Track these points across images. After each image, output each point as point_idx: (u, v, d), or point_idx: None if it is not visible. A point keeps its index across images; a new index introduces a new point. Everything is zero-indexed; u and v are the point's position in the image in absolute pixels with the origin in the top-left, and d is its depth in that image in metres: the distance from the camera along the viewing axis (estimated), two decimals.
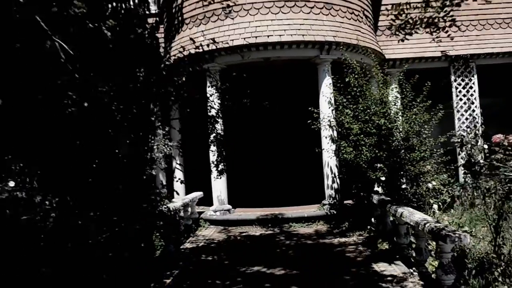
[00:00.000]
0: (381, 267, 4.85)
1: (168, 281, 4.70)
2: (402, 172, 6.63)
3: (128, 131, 3.92)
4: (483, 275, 4.14)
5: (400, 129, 6.66)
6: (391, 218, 5.70)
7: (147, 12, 3.96)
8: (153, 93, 4.17)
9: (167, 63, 4.56)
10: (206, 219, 7.86)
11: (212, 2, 6.47)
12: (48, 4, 2.25)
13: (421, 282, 4.22)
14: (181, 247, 6.29)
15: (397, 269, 4.73)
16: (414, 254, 4.62)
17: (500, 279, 4.06)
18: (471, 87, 9.81)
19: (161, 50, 7.98)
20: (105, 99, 3.28)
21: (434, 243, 4.25)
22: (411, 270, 4.59)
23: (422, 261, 4.41)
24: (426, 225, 4.04)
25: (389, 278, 4.43)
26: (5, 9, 2.15)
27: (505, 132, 8.76)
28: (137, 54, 3.81)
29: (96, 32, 2.74)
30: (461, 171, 9.50)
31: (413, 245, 4.80)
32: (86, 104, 2.90)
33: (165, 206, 4.95)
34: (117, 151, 3.84)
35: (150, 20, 4.16)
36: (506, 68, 10.05)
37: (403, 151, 6.58)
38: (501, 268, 4.10)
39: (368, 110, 6.75)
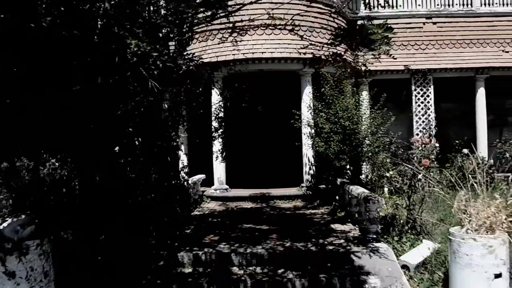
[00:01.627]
0: (336, 226, 6.94)
1: (188, 231, 6.75)
2: (361, 162, 8.74)
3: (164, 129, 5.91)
4: (399, 228, 6.26)
5: (361, 129, 8.75)
6: (348, 196, 7.77)
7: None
8: (181, 102, 6.17)
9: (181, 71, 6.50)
10: (208, 196, 9.91)
11: (225, 40, 8.09)
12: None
13: (359, 233, 6.30)
14: (191, 214, 8.34)
15: (346, 227, 6.82)
16: (357, 216, 6.71)
17: (408, 230, 6.19)
18: (428, 96, 11.93)
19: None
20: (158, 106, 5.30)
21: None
22: (355, 227, 6.68)
23: (362, 220, 6.45)
24: (362, 194, 6.13)
25: (339, 231, 6.53)
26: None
27: (463, 130, 11.37)
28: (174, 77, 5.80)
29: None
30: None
31: (357, 211, 6.89)
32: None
33: (183, 181, 6.99)
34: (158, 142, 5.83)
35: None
36: (462, 79, 12.16)
37: (361, 146, 8.67)
38: (410, 224, 6.23)
39: (337, 114, 8.81)
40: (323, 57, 6.49)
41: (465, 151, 10.85)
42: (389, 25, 4.57)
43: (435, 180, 7.03)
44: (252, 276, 5.01)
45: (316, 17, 10.06)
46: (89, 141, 4.29)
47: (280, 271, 5.11)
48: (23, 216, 4.03)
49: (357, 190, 6.59)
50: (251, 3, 5.55)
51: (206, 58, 9.19)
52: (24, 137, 3.91)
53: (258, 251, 5.46)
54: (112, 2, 3.00)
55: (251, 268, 5.25)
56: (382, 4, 10.45)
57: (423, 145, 8.43)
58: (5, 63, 2.94)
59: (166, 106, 5.90)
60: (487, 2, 12.15)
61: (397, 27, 11.72)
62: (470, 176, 7.12)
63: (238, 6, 5.30)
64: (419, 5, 12.13)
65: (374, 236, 5.87)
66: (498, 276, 3.86)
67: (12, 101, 3.24)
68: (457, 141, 10.80)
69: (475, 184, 4.67)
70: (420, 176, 6.90)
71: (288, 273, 5.03)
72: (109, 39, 3.15)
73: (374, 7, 11.05)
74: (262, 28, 9.73)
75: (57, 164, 4.75)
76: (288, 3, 6.36)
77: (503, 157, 11.59)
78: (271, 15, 5.19)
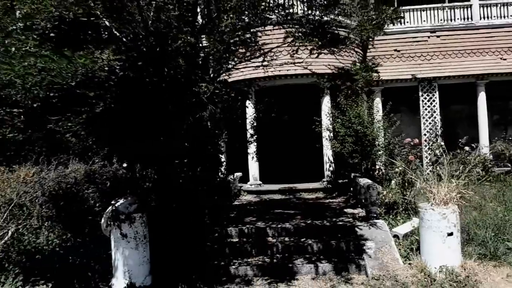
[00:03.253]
0: (348, 210, 8.80)
1: (232, 215, 8.74)
2: (370, 159, 10.54)
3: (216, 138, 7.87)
4: (396, 210, 8.07)
5: (370, 132, 10.54)
6: (358, 186, 9.59)
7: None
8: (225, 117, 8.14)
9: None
10: (244, 190, 11.89)
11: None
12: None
13: (364, 214, 8.14)
14: (233, 203, 10.33)
15: (355, 210, 8.67)
16: (363, 201, 8.54)
17: (402, 211, 7.99)
18: (434, 100, 13.59)
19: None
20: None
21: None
22: (362, 210, 8.51)
23: (367, 204, 8.22)
24: (366, 184, 7.98)
25: (349, 213, 8.40)
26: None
27: (470, 129, 13.17)
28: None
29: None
30: (425, 159, 13.38)
31: (363, 197, 8.71)
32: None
33: (229, 178, 9.00)
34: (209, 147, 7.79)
35: None
36: (465, 85, 13.76)
37: (370, 146, 10.46)
38: (403, 206, 8.03)
39: (350, 120, 10.63)
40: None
41: (467, 148, 12.56)
42: (370, 67, 6.39)
43: (418, 171, 8.70)
44: (282, 242, 6.95)
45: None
46: (163, 147, 6.30)
47: (302, 239, 7.03)
48: (129, 198, 6.10)
49: (364, 181, 8.44)
50: (278, 46, 7.41)
51: (242, 76, 11.16)
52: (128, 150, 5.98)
53: (286, 225, 7.41)
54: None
55: (281, 238, 7.20)
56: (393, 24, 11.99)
57: (413, 145, 10.12)
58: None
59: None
60: (485, 15, 13.73)
61: (404, 40, 13.67)
62: (469, 168, 8.92)
63: (268, 49, 7.19)
64: (424, 20, 13.80)
65: (375, 215, 7.72)
66: (450, 234, 5.67)
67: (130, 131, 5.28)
68: (460, 140, 12.51)
69: (441, 175, 6.44)
70: (409, 171, 8.64)
71: (308, 240, 6.95)
72: (193, 86, 5.14)
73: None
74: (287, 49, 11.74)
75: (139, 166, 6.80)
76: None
77: (502, 153, 13.18)
78: (293, 58, 6.95)
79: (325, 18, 5.98)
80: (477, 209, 8.24)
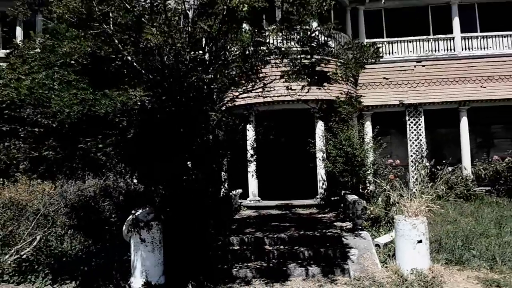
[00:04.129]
0: (337, 223, 9.81)
1: (233, 227, 9.74)
2: (359, 178, 11.58)
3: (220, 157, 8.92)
4: (380, 223, 9.09)
5: (358, 154, 11.61)
6: (347, 202, 10.60)
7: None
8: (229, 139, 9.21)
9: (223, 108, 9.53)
10: (244, 205, 12.88)
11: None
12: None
13: (351, 226, 9.14)
14: (234, 217, 11.32)
15: (344, 224, 9.68)
16: (351, 215, 9.55)
17: (385, 225, 9.00)
18: (419, 125, 14.71)
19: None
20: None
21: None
22: (350, 223, 9.51)
23: (354, 218, 9.25)
24: (352, 199, 9.01)
25: (338, 226, 9.41)
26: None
27: (456, 150, 14.29)
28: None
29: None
30: (412, 179, 14.41)
31: (351, 212, 9.72)
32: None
33: (231, 193, 10.01)
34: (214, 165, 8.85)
35: None
36: (449, 110, 14.89)
37: (358, 166, 11.52)
38: (386, 220, 9.04)
39: (341, 142, 11.71)
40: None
41: (450, 169, 13.66)
42: (354, 98, 7.50)
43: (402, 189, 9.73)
44: (277, 250, 7.95)
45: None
46: (178, 166, 7.35)
47: (295, 247, 8.03)
48: (147, 208, 7.12)
49: (351, 197, 9.49)
50: (275, 79, 8.51)
51: (243, 101, 12.25)
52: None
53: (281, 236, 8.42)
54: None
55: (277, 246, 8.20)
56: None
57: (394, 165, 11.20)
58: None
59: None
60: (467, 47, 14.99)
61: (392, 69, 14.89)
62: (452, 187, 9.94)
63: (267, 81, 8.29)
64: (410, 51, 15.05)
65: (360, 227, 8.74)
66: (419, 241, 6.68)
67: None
68: (444, 161, 13.66)
69: (416, 191, 7.49)
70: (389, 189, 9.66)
71: (300, 248, 7.95)
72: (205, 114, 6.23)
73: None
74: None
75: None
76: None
77: (482, 174, 14.23)
78: (288, 91, 8.03)
79: (314, 59, 7.11)
80: (452, 223, 9.28)
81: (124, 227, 7.04)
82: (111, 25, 6.76)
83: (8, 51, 15.54)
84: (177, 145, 6.66)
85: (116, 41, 6.58)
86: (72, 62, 6.50)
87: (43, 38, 6.67)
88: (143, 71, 6.28)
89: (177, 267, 7.11)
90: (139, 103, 5.37)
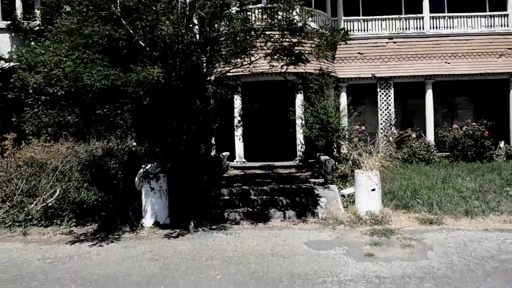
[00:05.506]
0: (311, 179, 11.54)
1: (223, 182, 11.39)
2: (332, 142, 13.29)
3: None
4: (346, 179, 10.83)
5: (332, 121, 13.26)
6: (321, 162, 12.31)
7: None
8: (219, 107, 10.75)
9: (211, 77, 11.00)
10: (231, 166, 14.52)
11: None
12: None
13: (323, 181, 10.88)
14: (223, 175, 12.97)
15: (317, 180, 11.41)
16: (323, 173, 11.27)
17: (351, 180, 10.74)
18: (389, 96, 16.39)
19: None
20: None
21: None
22: (322, 179, 11.25)
23: (325, 174, 10.97)
24: (324, 159, 10.71)
25: (312, 181, 11.14)
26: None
27: (422, 120, 16.11)
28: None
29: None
30: (381, 143, 16.17)
31: (323, 170, 11.44)
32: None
33: (220, 155, 11.61)
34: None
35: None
36: (417, 83, 16.58)
37: (332, 132, 13.20)
38: (352, 176, 10.78)
39: (318, 111, 13.33)
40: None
41: (414, 135, 15.46)
42: (326, 73, 9.05)
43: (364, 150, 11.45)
44: (261, 199, 9.65)
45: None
46: (175, 130, 8.87)
47: (275, 197, 9.74)
48: (154, 164, 8.70)
49: (324, 157, 11.19)
50: (260, 57, 9.97)
51: (231, 73, 13.72)
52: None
53: (264, 188, 10.12)
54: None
55: (260, 196, 9.89)
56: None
57: (360, 131, 12.93)
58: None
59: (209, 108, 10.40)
60: (434, 26, 16.56)
61: (367, 45, 16.45)
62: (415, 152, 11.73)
63: (255, 58, 9.75)
64: (383, 29, 16.56)
65: (330, 182, 10.48)
66: (373, 190, 8.44)
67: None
68: (410, 129, 15.50)
69: (373, 151, 9.19)
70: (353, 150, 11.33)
71: (280, 197, 9.66)
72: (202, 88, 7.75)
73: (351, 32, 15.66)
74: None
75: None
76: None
77: (444, 141, 16.02)
78: (271, 68, 9.55)
79: (292, 42, 8.62)
80: (407, 179, 11.07)
81: (136, 178, 8.64)
82: (118, 7, 8.04)
83: (8, 22, 16.69)
84: (180, 111, 8.17)
85: (127, 26, 7.96)
86: (93, 43, 7.89)
87: (69, 22, 7.93)
88: (153, 53, 7.71)
89: (179, 211, 8.75)
90: (156, 78, 6.81)
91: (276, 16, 8.60)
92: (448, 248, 6.48)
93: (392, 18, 16.64)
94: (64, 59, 6.76)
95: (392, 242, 6.89)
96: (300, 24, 8.55)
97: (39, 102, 8.02)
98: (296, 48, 8.76)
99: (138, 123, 7.91)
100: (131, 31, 7.89)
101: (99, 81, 6.78)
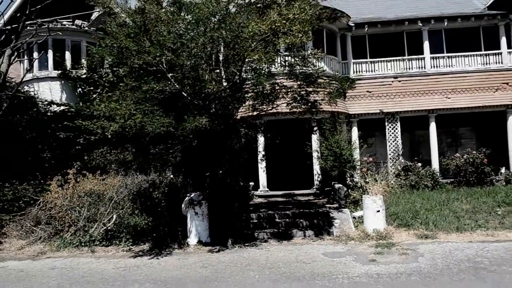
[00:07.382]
0: (327, 205, 13.30)
1: (251, 208, 13.23)
2: (344, 172, 15.09)
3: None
4: (358, 204, 12.58)
5: (344, 153, 15.09)
6: (335, 189, 14.07)
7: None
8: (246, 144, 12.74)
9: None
10: (256, 195, 16.36)
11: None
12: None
13: (337, 206, 12.63)
14: (249, 203, 14.80)
15: (332, 205, 13.17)
16: (337, 199, 13.02)
17: (360, 205, 12.48)
18: (396, 129, 18.20)
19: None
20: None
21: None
22: (337, 205, 12.99)
23: (339, 200, 12.73)
24: (338, 187, 12.51)
25: (327, 206, 12.91)
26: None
27: (425, 149, 18.05)
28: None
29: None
30: (390, 172, 17.90)
31: (337, 196, 13.19)
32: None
33: (247, 185, 13.52)
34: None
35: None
36: (421, 117, 18.38)
37: (344, 163, 15.01)
38: (361, 201, 12.52)
39: (331, 144, 15.19)
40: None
41: (419, 164, 17.14)
42: (336, 117, 10.98)
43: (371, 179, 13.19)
44: (284, 221, 11.46)
45: None
46: (213, 164, 10.82)
47: (297, 219, 11.53)
48: (198, 193, 10.63)
49: (337, 185, 13.00)
50: (282, 103, 11.97)
51: (255, 112, 15.77)
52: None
53: (286, 212, 11.94)
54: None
55: (284, 219, 11.70)
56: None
57: (369, 162, 14.72)
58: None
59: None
60: (435, 65, 18.49)
61: (374, 84, 18.40)
62: (421, 179, 13.51)
63: (277, 105, 11.74)
64: (389, 69, 18.55)
65: (343, 206, 12.26)
66: (378, 211, 10.20)
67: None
68: (416, 158, 17.21)
69: (378, 179, 10.98)
70: (361, 180, 13.07)
71: (300, 220, 11.45)
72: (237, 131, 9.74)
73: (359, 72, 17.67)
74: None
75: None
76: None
77: (448, 168, 17.64)
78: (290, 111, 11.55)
79: (308, 91, 10.63)
80: (411, 203, 12.75)
81: (183, 205, 10.57)
82: (164, 64, 10.07)
83: (59, 71, 19.13)
84: (218, 150, 10.17)
85: (175, 83, 10.03)
86: (150, 97, 9.98)
87: (129, 81, 10.01)
88: (198, 102, 9.76)
89: (217, 231, 10.59)
90: (204, 126, 8.82)
91: (294, 71, 10.66)
92: (436, 255, 8.19)
93: (396, 60, 18.64)
94: (133, 111, 8.80)
95: (392, 252, 8.62)
96: (315, 76, 10.56)
97: (88, 142, 10.06)
98: (311, 95, 10.73)
99: (185, 160, 9.90)
100: (177, 86, 9.97)
101: (158, 128, 8.80)
